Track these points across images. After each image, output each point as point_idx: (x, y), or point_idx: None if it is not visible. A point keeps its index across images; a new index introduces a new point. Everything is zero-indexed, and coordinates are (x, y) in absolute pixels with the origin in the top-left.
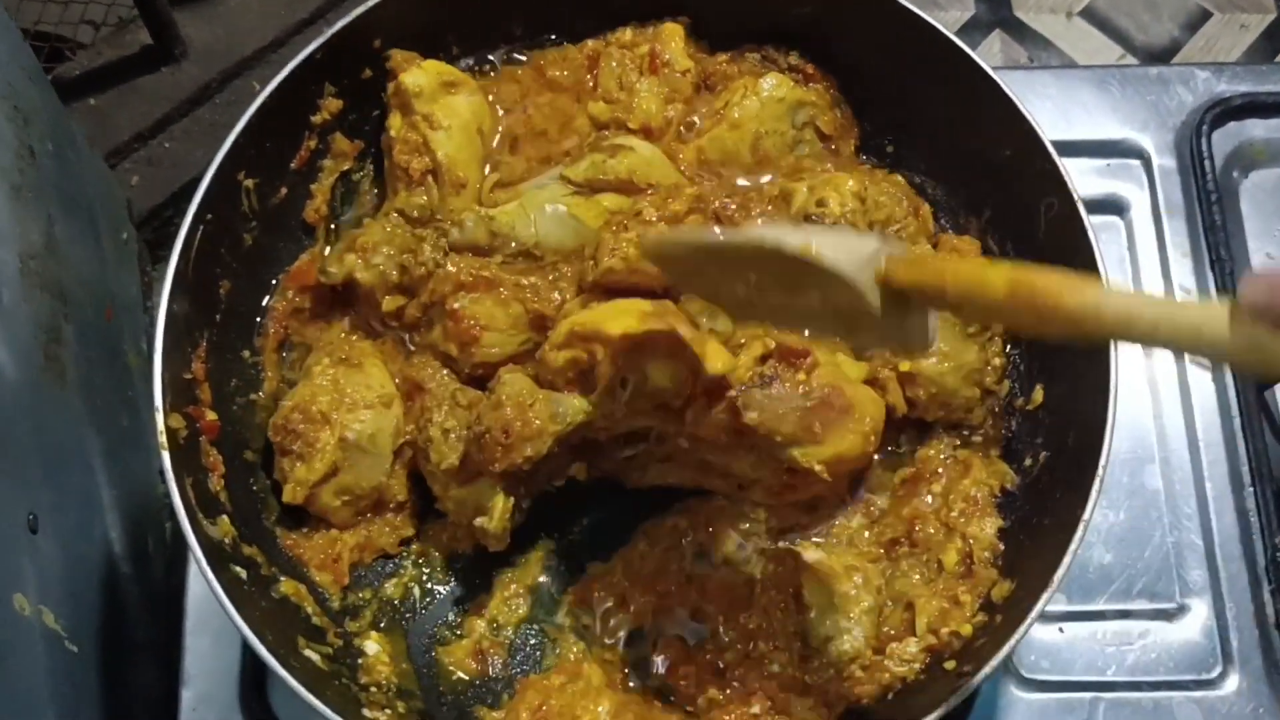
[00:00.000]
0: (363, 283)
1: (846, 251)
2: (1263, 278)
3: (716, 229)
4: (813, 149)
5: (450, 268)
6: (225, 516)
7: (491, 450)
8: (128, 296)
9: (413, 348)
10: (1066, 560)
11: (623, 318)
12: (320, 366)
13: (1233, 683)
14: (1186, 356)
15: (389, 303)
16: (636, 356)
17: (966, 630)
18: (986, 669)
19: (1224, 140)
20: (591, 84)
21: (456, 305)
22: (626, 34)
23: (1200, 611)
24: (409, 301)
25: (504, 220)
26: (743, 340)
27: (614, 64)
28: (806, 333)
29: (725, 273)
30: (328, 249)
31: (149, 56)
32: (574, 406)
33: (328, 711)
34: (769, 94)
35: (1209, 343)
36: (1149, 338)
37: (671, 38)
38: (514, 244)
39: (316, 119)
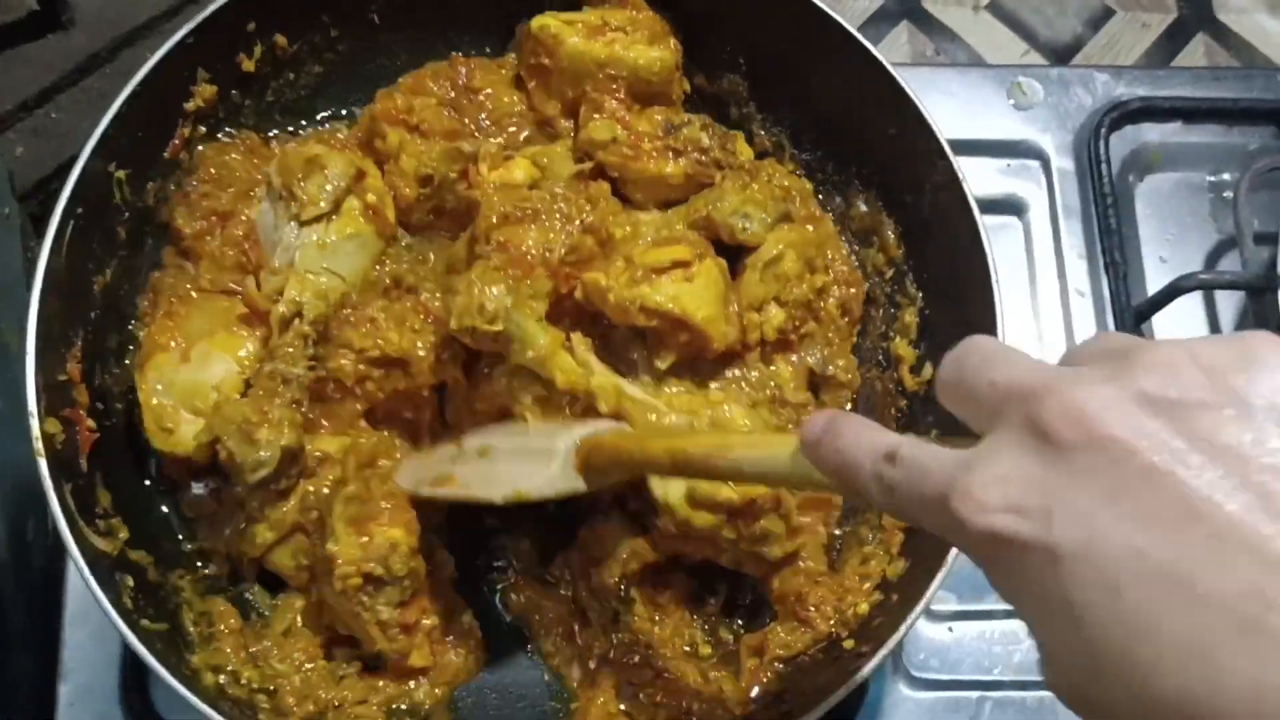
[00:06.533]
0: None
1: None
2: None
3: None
4: None
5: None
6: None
7: None
8: (8, 273)
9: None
10: None
11: None
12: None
13: None
14: None
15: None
16: None
17: (863, 608)
18: (885, 648)
19: (1121, 144)
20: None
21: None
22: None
23: None
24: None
25: (307, 287)
26: None
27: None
28: None
29: None
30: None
31: (34, 22)
32: None
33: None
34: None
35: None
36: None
37: None
38: (329, 300)
39: (190, 105)
